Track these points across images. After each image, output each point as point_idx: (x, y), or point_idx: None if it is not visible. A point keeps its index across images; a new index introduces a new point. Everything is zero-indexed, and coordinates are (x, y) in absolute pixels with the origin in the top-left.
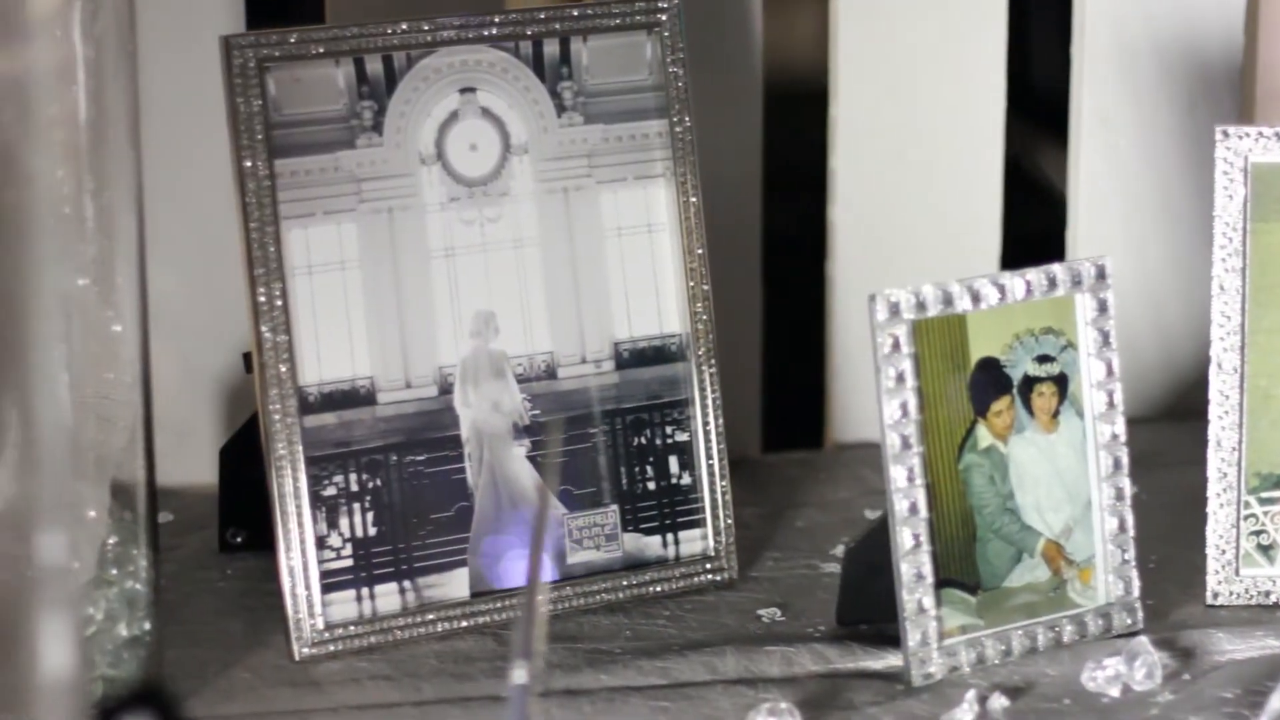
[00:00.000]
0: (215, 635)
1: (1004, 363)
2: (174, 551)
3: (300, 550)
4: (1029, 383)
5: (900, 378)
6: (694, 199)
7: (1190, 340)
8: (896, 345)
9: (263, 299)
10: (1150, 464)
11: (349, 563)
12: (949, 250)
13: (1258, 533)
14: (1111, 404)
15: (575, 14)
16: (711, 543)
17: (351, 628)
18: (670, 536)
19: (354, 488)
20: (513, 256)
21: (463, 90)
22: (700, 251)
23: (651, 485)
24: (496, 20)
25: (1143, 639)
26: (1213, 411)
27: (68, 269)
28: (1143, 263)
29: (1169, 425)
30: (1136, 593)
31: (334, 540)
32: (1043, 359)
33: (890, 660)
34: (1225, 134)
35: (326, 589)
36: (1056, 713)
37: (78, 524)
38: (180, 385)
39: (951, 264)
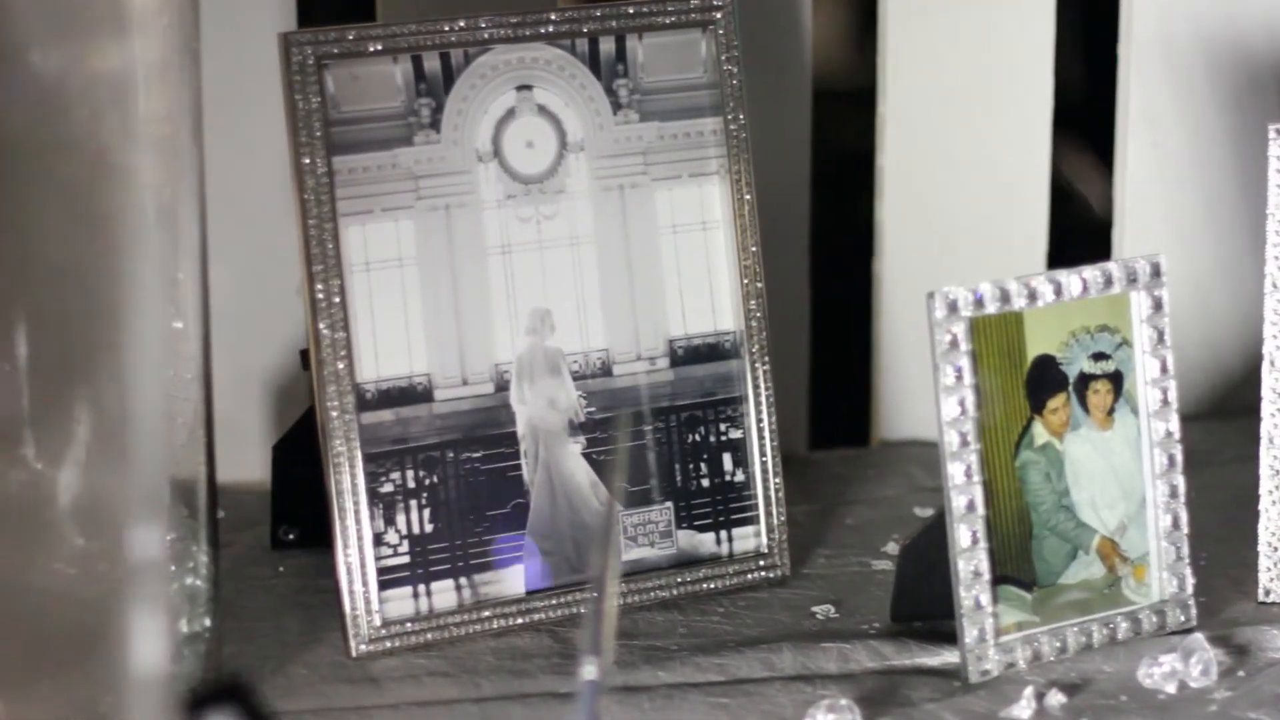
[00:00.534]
0: (271, 632)
1: (1060, 360)
2: (226, 549)
3: (358, 547)
4: (1084, 380)
5: (958, 375)
6: (748, 196)
7: (1237, 338)
8: (955, 342)
9: (321, 296)
10: (1197, 462)
11: (405, 559)
12: (996, 248)
13: None
14: (1166, 401)
15: (631, 11)
16: (765, 540)
17: (408, 624)
18: (724, 533)
19: (411, 484)
20: (569, 254)
21: (519, 87)
22: (754, 249)
23: (705, 482)
24: (553, 17)
25: (1198, 636)
26: (1265, 409)
27: (161, 264)
28: (1189, 260)
29: (1215, 423)
30: (1190, 590)
31: (391, 537)
32: (1098, 356)
33: (946, 657)
34: (1278, 132)
35: (383, 586)
36: (1114, 709)
37: (166, 518)
38: (230, 382)
39: (998, 262)
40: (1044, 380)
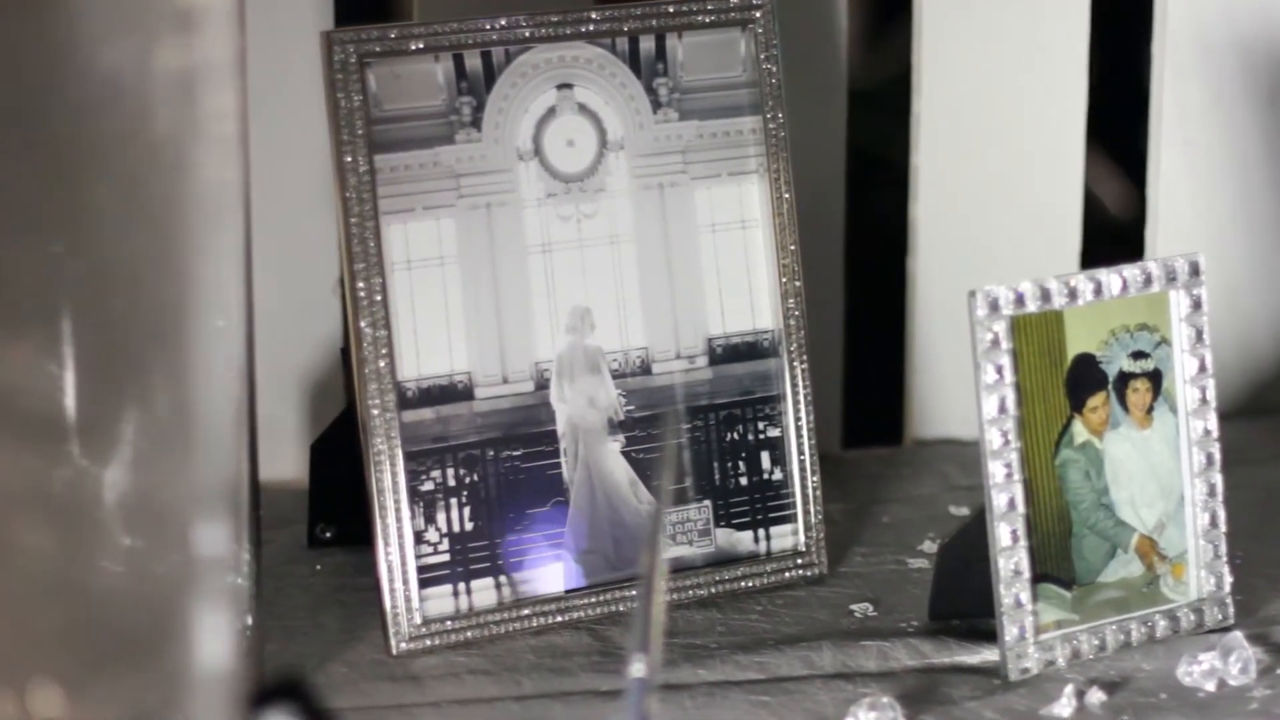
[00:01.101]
0: (310, 630)
1: (1100, 359)
2: (264, 547)
3: (398, 545)
4: (1124, 378)
5: (999, 373)
6: (787, 195)
7: (1270, 337)
8: (996, 341)
9: (362, 294)
10: (1230, 460)
11: (445, 557)
12: (1029, 247)
13: None
14: (1204, 400)
15: (671, 10)
16: (802, 538)
17: (448, 623)
18: (762, 532)
19: (451, 483)
20: (609, 252)
21: (560, 86)
22: (793, 247)
23: (744, 481)
24: (594, 16)
25: (1237, 634)
26: None
27: (223, 262)
28: (1221, 259)
29: (1248, 421)
30: (1228, 588)
31: (431, 535)
32: (1137, 355)
33: (985, 655)
34: None
35: (424, 584)
36: (1154, 707)
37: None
38: (266, 380)
39: (1032, 260)
40: (1084, 379)
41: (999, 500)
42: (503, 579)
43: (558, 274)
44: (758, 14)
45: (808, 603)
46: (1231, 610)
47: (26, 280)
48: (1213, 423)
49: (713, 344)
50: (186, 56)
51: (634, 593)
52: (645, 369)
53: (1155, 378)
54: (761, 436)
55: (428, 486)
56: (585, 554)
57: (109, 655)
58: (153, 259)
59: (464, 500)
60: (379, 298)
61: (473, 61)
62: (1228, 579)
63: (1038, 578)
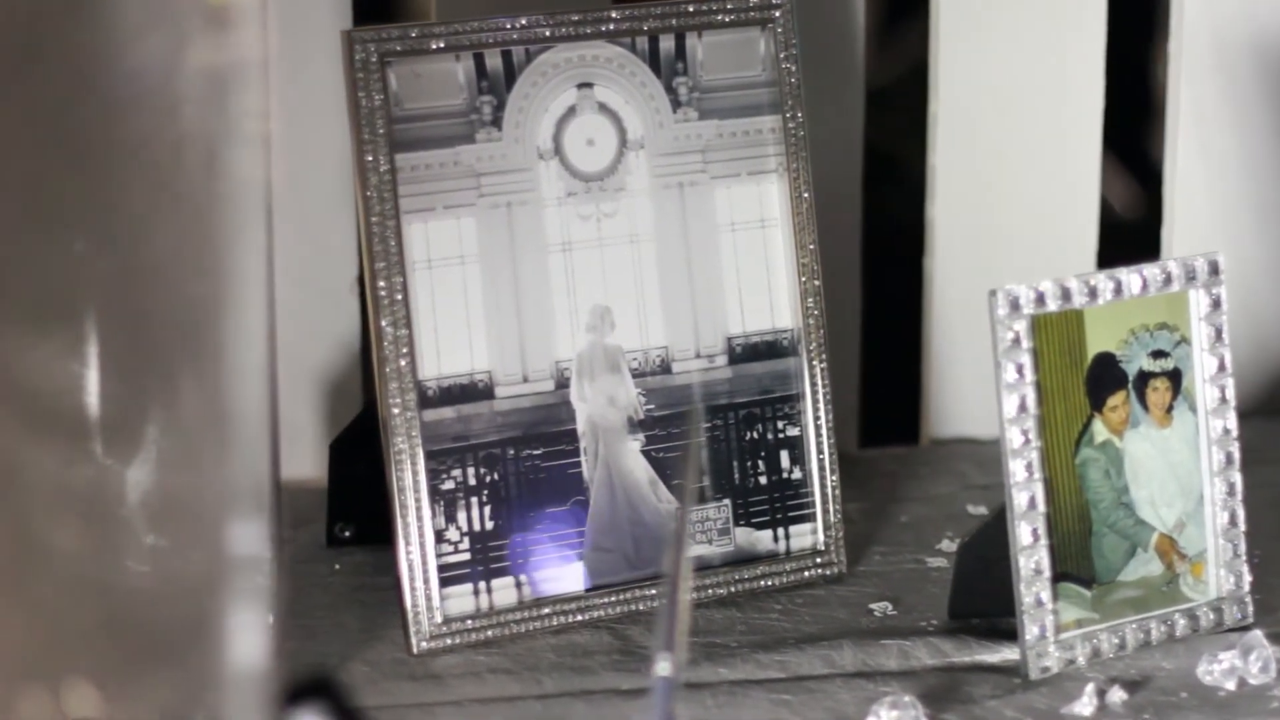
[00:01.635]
0: (330, 629)
1: (1120, 358)
2: (283, 546)
3: (419, 544)
4: (1144, 378)
5: (1020, 372)
6: (806, 194)
7: None
8: (1017, 340)
9: (383, 293)
10: (1247, 459)
11: (466, 556)
12: (1047, 246)
13: None
14: (1223, 399)
15: (691, 9)
16: (821, 537)
17: (469, 621)
18: (781, 531)
19: (471, 482)
20: (628, 251)
21: (580, 85)
22: (812, 247)
23: (763, 480)
24: (614, 15)
25: (1257, 633)
26: None
27: (258, 260)
28: (1237, 259)
29: (1262, 421)
30: (1247, 587)
31: (451, 534)
32: (1157, 354)
33: (1005, 654)
34: None
35: (444, 583)
36: (1175, 706)
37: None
38: (284, 380)
39: (1049, 260)
40: (1104, 378)
41: (1019, 499)
42: (523, 578)
43: (578, 273)
44: (777, 13)
45: (827, 602)
46: (1251, 609)
47: (57, 277)
48: (1232, 422)
49: (732, 343)
50: (217, 55)
51: (655, 592)
52: (665, 368)
53: (1175, 377)
54: (781, 435)
55: (448, 485)
56: (605, 553)
57: (141, 654)
58: (181, 257)
59: (484, 499)
60: (400, 297)
61: (493, 61)
62: (1247, 578)
63: (1058, 576)
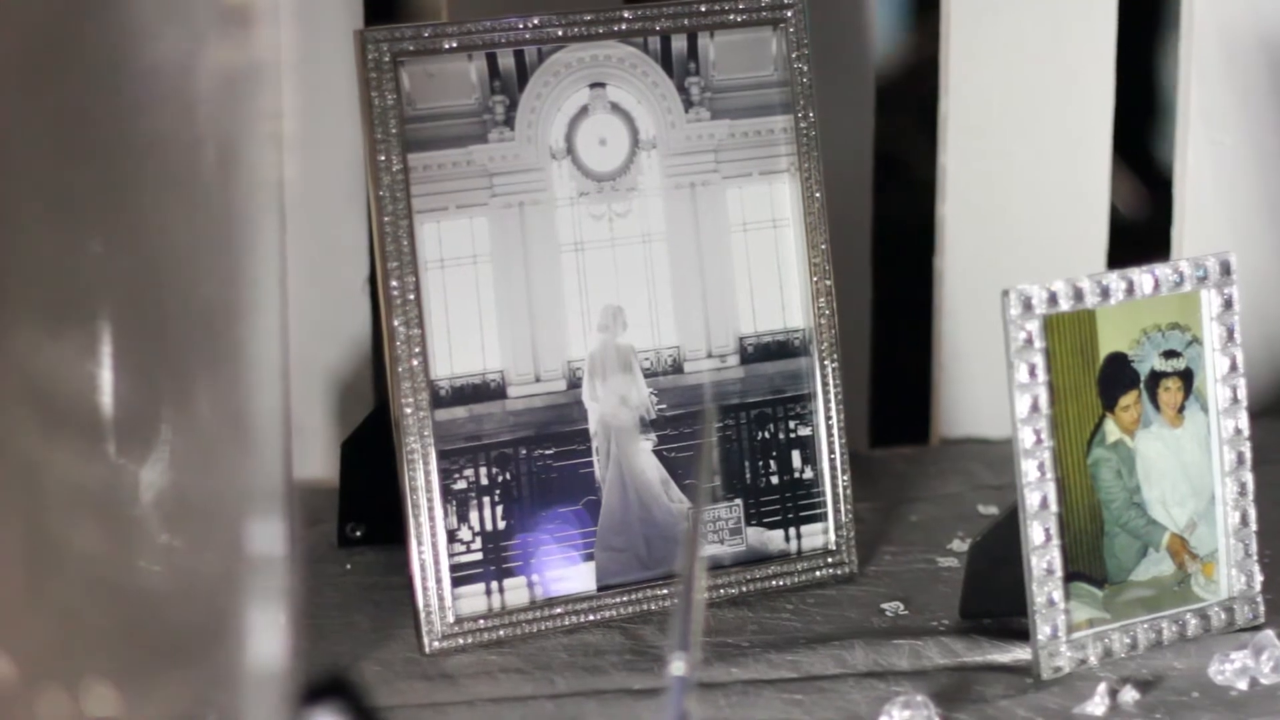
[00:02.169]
0: (342, 628)
1: (1132, 358)
2: (295, 545)
3: (431, 544)
4: (1155, 377)
5: (1032, 372)
6: (818, 194)
7: None
8: (1029, 340)
9: (396, 292)
10: (1258, 459)
11: (478, 556)
12: (1057, 245)
13: None
14: (1235, 399)
15: (703, 9)
16: (833, 536)
17: (481, 621)
18: (793, 530)
19: (484, 481)
20: (640, 251)
21: (592, 85)
22: (824, 247)
23: (775, 479)
24: (626, 15)
25: (1268, 633)
26: None
27: (271, 259)
28: (1247, 258)
29: (1274, 420)
30: (1259, 586)
31: (464, 534)
32: (1169, 354)
33: (1017, 654)
34: None
35: (456, 582)
36: (1186, 706)
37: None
38: (295, 380)
39: (1059, 259)
40: (1116, 378)
41: (1032, 499)
42: (535, 577)
43: (590, 273)
44: (789, 13)
45: (838, 601)
46: (1262, 609)
47: (73, 277)
48: (1244, 421)
49: (744, 343)
50: (233, 56)
51: (666, 591)
52: (677, 368)
53: (1187, 376)
54: (792, 435)
55: (460, 485)
56: (617, 552)
57: (157, 654)
58: (197, 258)
59: (496, 499)
60: (412, 296)
61: (505, 60)
62: (1258, 577)
63: (1070, 576)
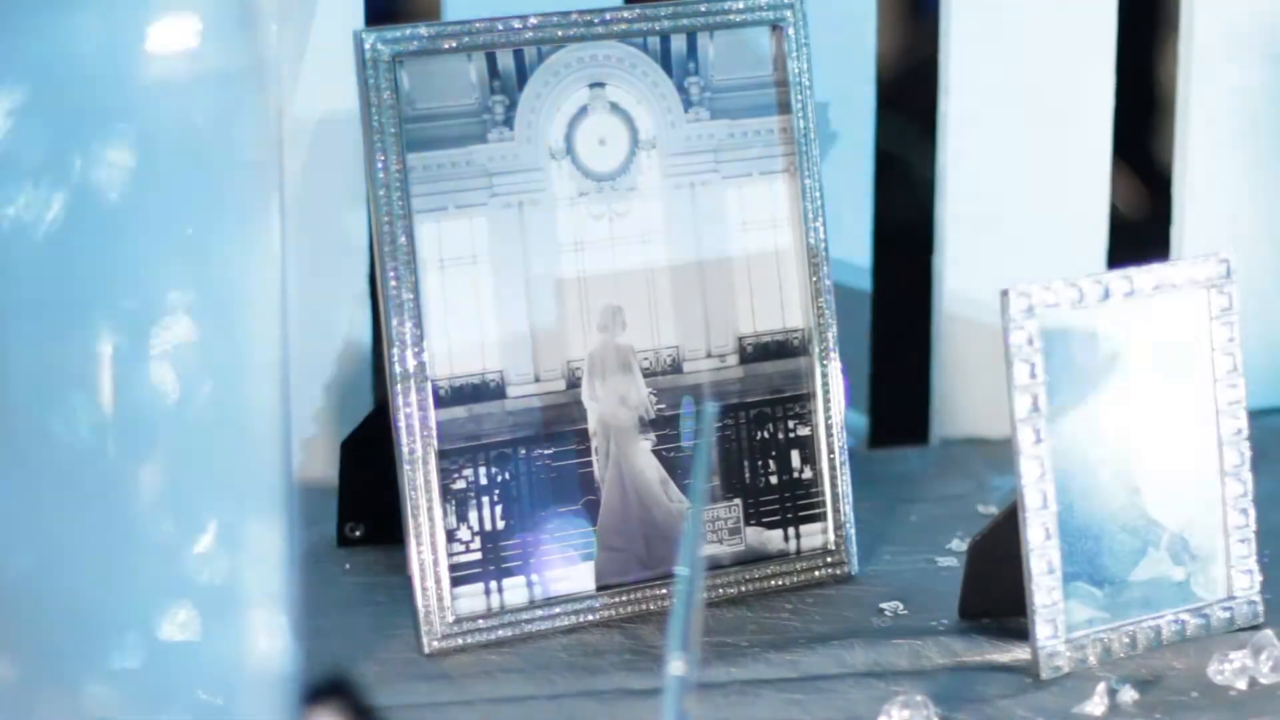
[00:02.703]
0: (342, 628)
1: (1131, 357)
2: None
3: (430, 544)
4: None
5: (1032, 372)
6: (817, 194)
7: None
8: (1029, 340)
9: (394, 292)
10: (1256, 459)
11: (477, 556)
12: (1056, 245)
13: None
14: (1235, 399)
15: (703, 9)
16: (831, 536)
17: (480, 621)
18: (791, 530)
19: (483, 481)
20: (640, 251)
21: (592, 85)
22: (824, 247)
23: (774, 479)
24: (626, 15)
25: (1268, 632)
26: None
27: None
28: (1248, 258)
29: (1271, 421)
30: (1258, 586)
31: (463, 534)
32: (1169, 354)
33: (1017, 653)
34: None
35: (456, 582)
36: (1186, 706)
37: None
38: (294, 380)
39: (1059, 259)
40: (1115, 377)
41: (1031, 499)
42: (534, 577)
43: (589, 272)
44: (788, 13)
45: (837, 601)
46: (1262, 608)
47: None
48: (1243, 422)
49: (743, 342)
50: (233, 54)
51: (665, 591)
52: (676, 368)
53: (1186, 376)
54: (791, 435)
55: (460, 485)
56: (616, 552)
57: None
58: (194, 256)
59: (496, 499)
60: (411, 296)
61: (505, 60)
62: (1258, 577)
63: (1069, 576)
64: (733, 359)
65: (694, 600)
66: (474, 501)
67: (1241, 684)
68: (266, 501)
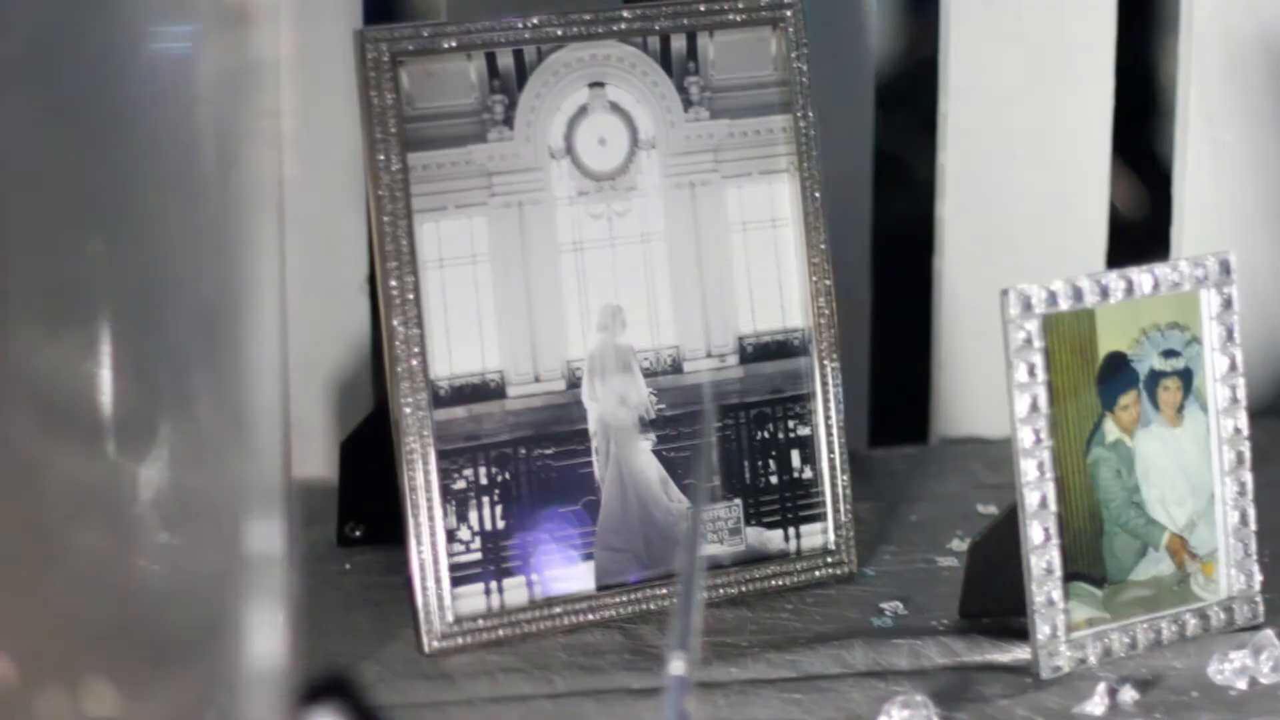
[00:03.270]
0: (342, 628)
1: (1131, 357)
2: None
3: (430, 543)
4: (1155, 377)
5: (1031, 372)
6: (817, 194)
7: None
8: (1028, 339)
9: (395, 292)
10: (1257, 459)
11: (477, 556)
12: (1056, 245)
13: None
14: (1234, 399)
15: (702, 9)
16: (832, 536)
17: (480, 621)
18: (792, 530)
19: (483, 481)
20: (640, 251)
21: (592, 85)
22: (823, 246)
23: (774, 479)
24: (625, 15)
25: (1268, 632)
26: None
27: (270, 258)
28: (1248, 257)
29: (1271, 420)
30: (1258, 586)
31: (463, 533)
32: (1168, 353)
33: (1017, 653)
34: None
35: (456, 582)
36: (1186, 705)
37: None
38: (294, 380)
39: (1058, 259)
40: (1115, 377)
41: (1031, 498)
42: (534, 577)
43: (589, 272)
44: (788, 12)
45: (838, 601)
46: (1262, 608)
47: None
48: (1243, 421)
49: (743, 342)
50: (232, 54)
51: (666, 591)
52: (676, 367)
53: (1186, 376)
54: (792, 435)
55: (460, 485)
56: (616, 552)
57: (156, 654)
58: (195, 257)
59: (496, 498)
60: (411, 296)
61: (505, 60)
62: (1258, 577)
63: (1069, 576)
64: (733, 359)
65: (694, 600)
66: (474, 501)
67: (1242, 684)
68: (266, 501)
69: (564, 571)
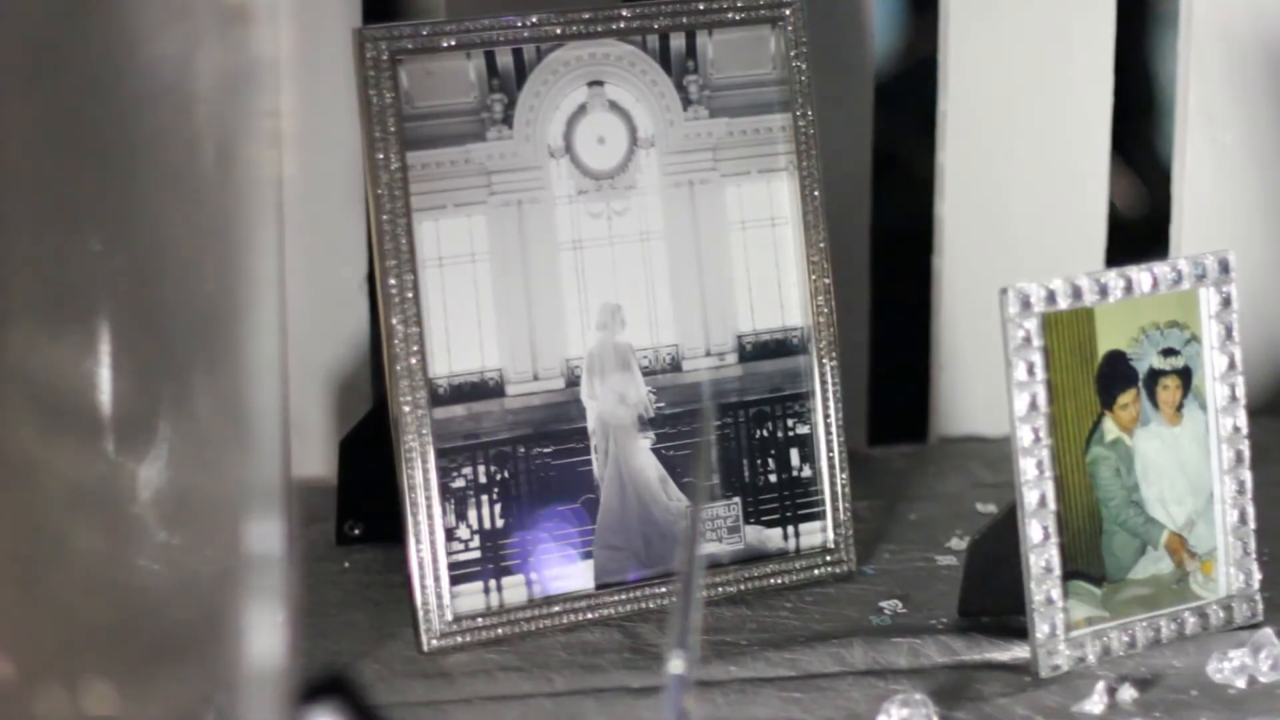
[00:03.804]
0: (341, 627)
1: (1130, 356)
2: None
3: (429, 542)
4: (1154, 376)
5: (1030, 370)
6: (816, 192)
7: None
8: (1027, 338)
9: (394, 291)
10: (1257, 457)
11: (476, 554)
12: (1055, 244)
13: None
14: (1234, 397)
15: (701, 8)
16: (831, 535)
17: (479, 619)
18: (791, 529)
19: (482, 479)
20: (639, 249)
21: (591, 83)
22: (822, 245)
23: (773, 478)
24: (625, 14)
25: (1267, 631)
26: None
27: (270, 257)
28: (1247, 256)
29: (1270, 419)
30: (1257, 585)
31: (462, 532)
32: (1167, 352)
33: (1016, 652)
34: None
35: (455, 580)
36: (1185, 704)
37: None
38: (293, 379)
39: (1058, 258)
40: (1115, 376)
41: (1030, 497)
42: (533, 576)
43: (588, 271)
44: (788, 11)
45: (837, 600)
46: (1261, 607)
47: (72, 275)
48: (1242, 420)
49: (742, 341)
50: (232, 53)
51: (665, 590)
52: (675, 366)
53: (1185, 375)
54: (791, 433)
55: (459, 483)
56: (615, 551)
57: (156, 652)
58: (195, 255)
59: (495, 497)
60: (410, 294)
61: (504, 59)
62: (1257, 575)
63: (1068, 574)
64: (732, 357)
65: (693, 598)
66: (473, 500)
67: (1241, 682)
68: (266, 500)
69: (563, 570)
